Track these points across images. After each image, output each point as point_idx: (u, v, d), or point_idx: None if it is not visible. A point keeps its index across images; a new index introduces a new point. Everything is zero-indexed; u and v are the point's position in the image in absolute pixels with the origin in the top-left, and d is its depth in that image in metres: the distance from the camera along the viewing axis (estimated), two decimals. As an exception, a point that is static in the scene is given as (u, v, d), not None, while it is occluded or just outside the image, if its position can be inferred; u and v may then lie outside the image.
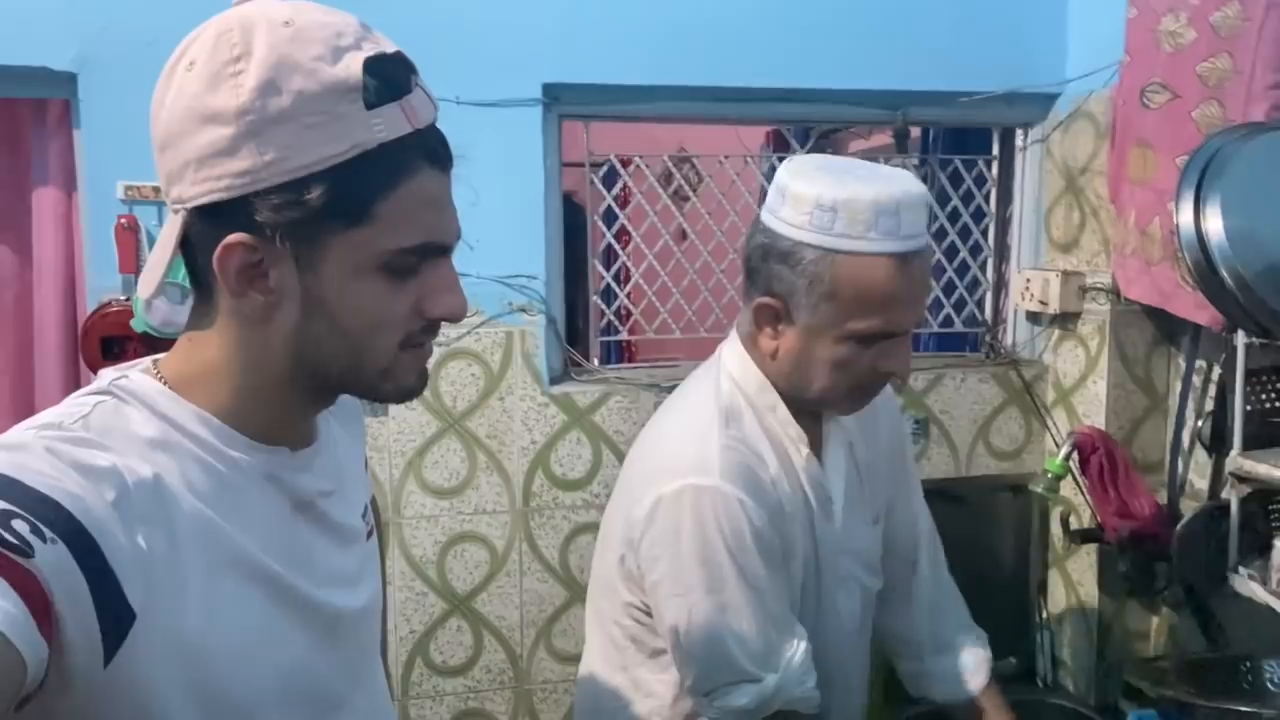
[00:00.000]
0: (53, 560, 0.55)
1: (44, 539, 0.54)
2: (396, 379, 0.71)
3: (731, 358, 1.18)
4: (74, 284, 1.88)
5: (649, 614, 1.15)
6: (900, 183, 1.06)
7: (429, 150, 0.66)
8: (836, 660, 1.21)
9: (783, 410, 1.14)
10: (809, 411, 1.17)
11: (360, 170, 0.63)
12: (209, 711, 0.64)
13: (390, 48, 0.66)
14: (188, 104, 0.64)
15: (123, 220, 1.74)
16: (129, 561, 0.59)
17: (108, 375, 0.69)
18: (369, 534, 0.84)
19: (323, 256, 0.65)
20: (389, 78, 0.64)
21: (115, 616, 0.58)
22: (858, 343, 1.07)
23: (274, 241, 0.64)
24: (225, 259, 0.65)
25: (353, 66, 0.62)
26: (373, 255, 0.65)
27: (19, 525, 0.54)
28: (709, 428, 1.11)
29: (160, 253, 0.69)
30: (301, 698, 0.72)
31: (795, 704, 1.08)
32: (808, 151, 2.13)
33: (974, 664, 1.34)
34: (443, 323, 0.72)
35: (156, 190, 1.76)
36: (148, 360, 0.72)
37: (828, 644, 1.19)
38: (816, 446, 1.18)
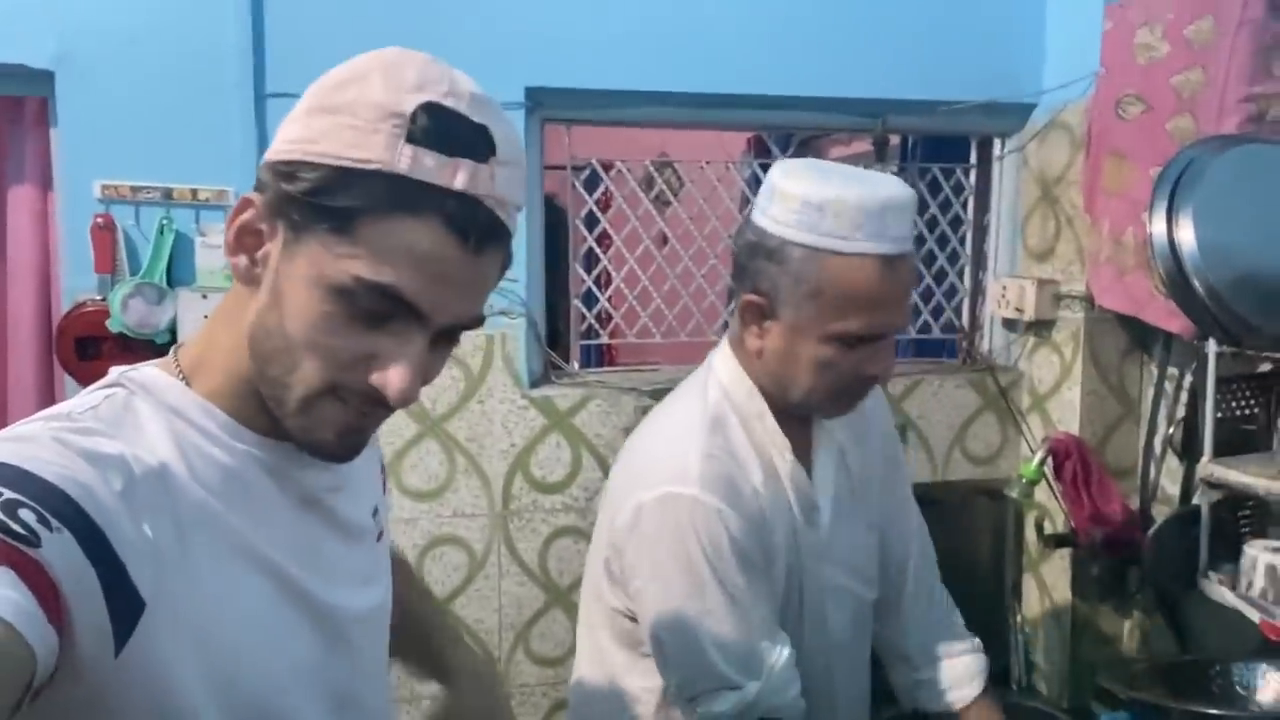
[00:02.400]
0: (60, 550, 0.54)
1: (51, 528, 0.54)
2: (310, 422, 0.66)
3: (722, 365, 1.18)
4: (49, 283, 1.86)
5: (635, 619, 1.15)
6: (888, 186, 1.07)
7: (452, 214, 0.62)
8: (823, 670, 1.21)
9: (769, 418, 1.15)
10: (798, 418, 1.17)
11: (365, 184, 0.61)
12: (225, 701, 0.64)
13: (474, 115, 0.63)
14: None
15: (99, 219, 1.73)
16: (137, 551, 0.58)
17: (118, 369, 0.69)
18: (379, 536, 0.83)
19: (301, 250, 0.63)
20: (446, 130, 0.62)
21: (124, 606, 0.57)
22: (841, 344, 1.07)
23: (275, 217, 0.64)
24: (236, 212, 0.65)
25: (410, 100, 0.62)
26: (338, 273, 0.62)
27: (26, 514, 0.53)
28: (692, 435, 1.11)
29: None
30: (315, 692, 0.72)
31: (779, 712, 1.08)
32: (788, 158, 2.15)
33: (965, 673, 1.33)
34: (384, 404, 0.66)
35: (133, 190, 1.75)
36: (170, 354, 0.72)
37: (813, 653, 1.18)
38: (805, 454, 1.18)
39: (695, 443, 1.10)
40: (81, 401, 0.65)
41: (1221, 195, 1.47)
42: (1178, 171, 1.50)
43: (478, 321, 0.68)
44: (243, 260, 0.66)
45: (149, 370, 0.69)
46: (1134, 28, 1.74)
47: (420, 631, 0.99)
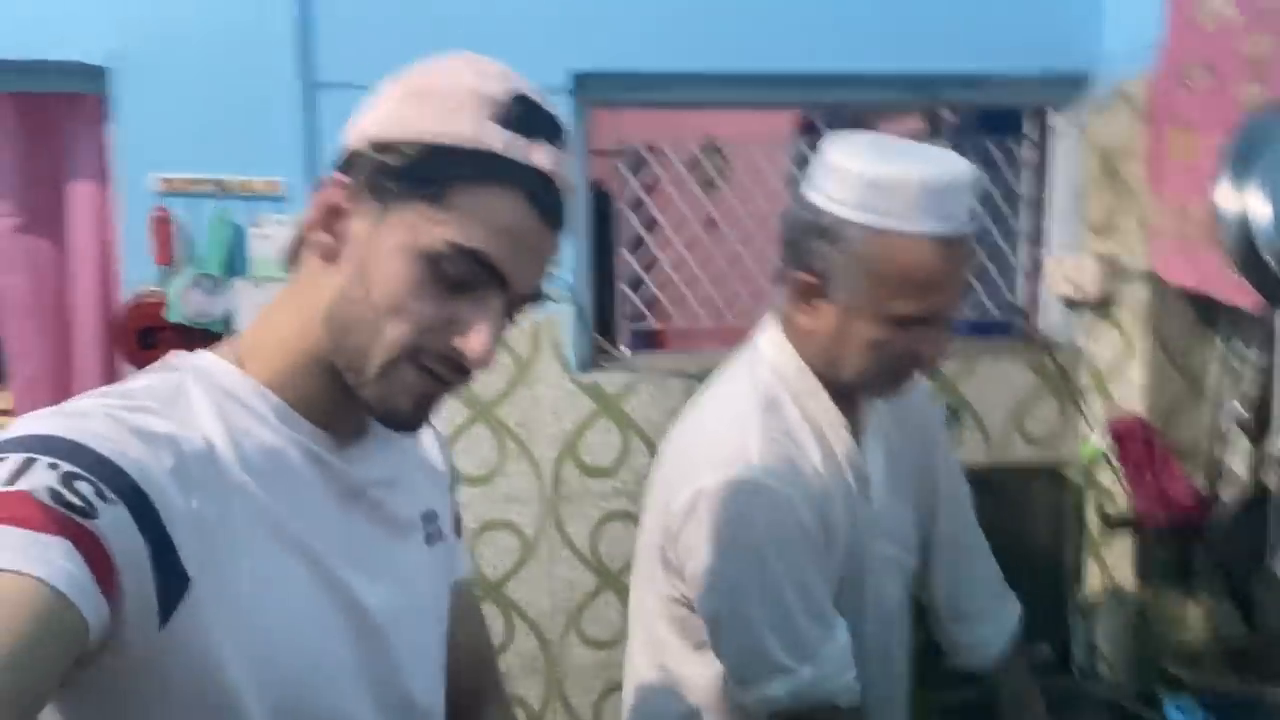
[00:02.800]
0: (114, 521, 0.55)
1: (106, 500, 0.55)
2: (388, 388, 0.68)
3: (769, 344, 1.16)
4: (109, 276, 1.91)
5: (691, 606, 1.14)
6: (949, 164, 1.04)
7: (534, 190, 0.67)
8: (877, 644, 1.20)
9: (823, 395, 1.13)
10: (845, 395, 1.15)
11: (459, 157, 0.66)
12: (266, 682, 0.65)
13: (544, 105, 0.70)
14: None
15: (157, 212, 1.76)
16: (185, 527, 0.60)
17: (175, 354, 0.71)
18: (431, 537, 0.83)
19: (392, 222, 0.66)
20: (529, 115, 0.68)
21: (171, 580, 0.59)
22: (895, 324, 1.05)
23: (365, 197, 0.68)
24: (321, 193, 0.69)
25: (501, 88, 0.68)
26: (432, 239, 0.65)
27: (83, 487, 0.55)
28: (749, 417, 1.10)
29: None
30: (355, 683, 0.72)
31: (834, 696, 1.07)
32: (837, 136, 2.11)
33: (994, 634, 1.33)
34: (463, 370, 0.69)
35: (189, 183, 1.78)
36: (225, 341, 0.74)
37: (868, 629, 1.18)
38: (854, 430, 1.17)
39: (753, 425, 1.09)
40: (137, 382, 0.67)
41: (1294, 164, 1.41)
42: (1246, 140, 1.44)
43: (540, 297, 0.73)
44: (326, 238, 0.69)
45: (204, 355, 0.71)
46: (1199, -9, 1.68)
47: None
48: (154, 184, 1.77)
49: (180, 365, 0.69)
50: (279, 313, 0.72)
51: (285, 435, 0.69)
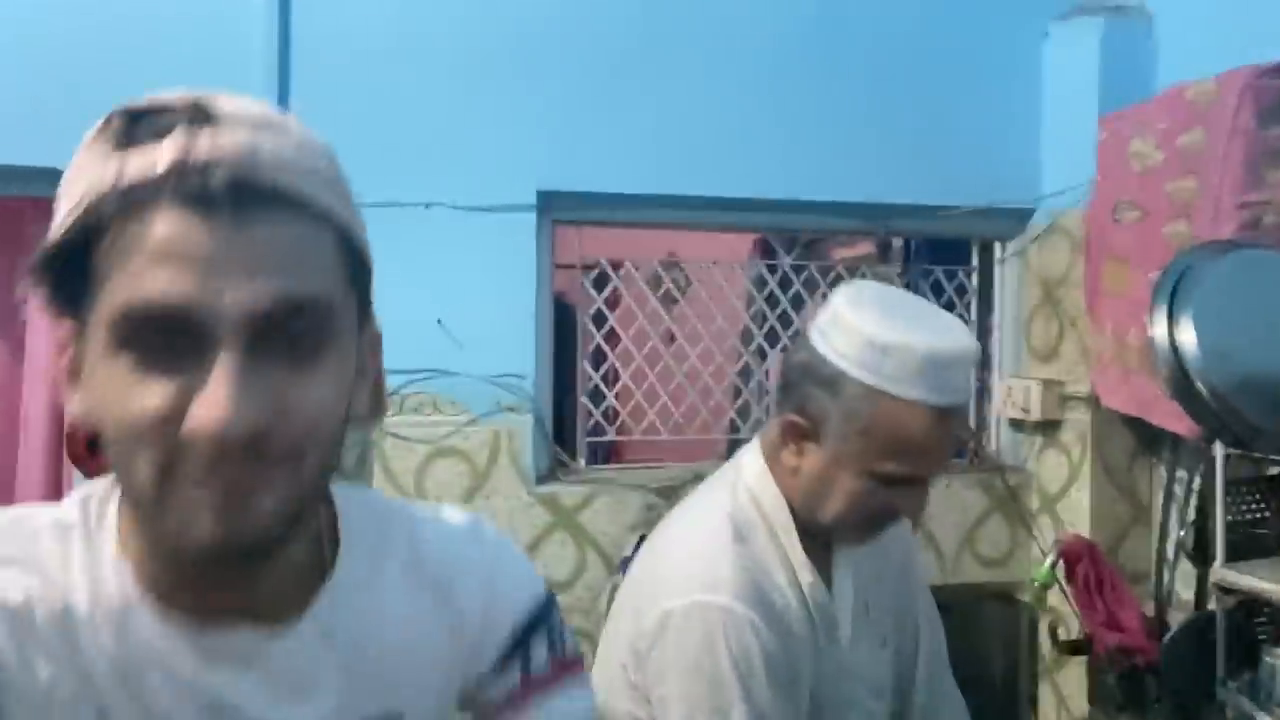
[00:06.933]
0: None
1: None
2: (176, 521, 0.51)
3: (752, 468, 1.17)
4: (64, 379, 1.89)
5: None
6: (952, 335, 1.06)
7: (174, 190, 0.49)
8: None
9: (794, 533, 1.13)
10: (817, 535, 1.15)
11: (89, 216, 0.50)
12: None
13: (179, 99, 0.52)
14: None
15: (117, 316, 1.76)
16: (31, 706, 0.53)
17: (84, 490, 0.62)
18: None
19: (88, 333, 0.52)
20: (144, 120, 0.51)
21: None
22: (879, 481, 1.07)
23: (60, 318, 0.55)
24: (59, 352, 0.56)
25: (106, 117, 0.52)
26: (107, 322, 0.50)
27: None
28: (722, 542, 1.09)
29: None
30: None
31: None
32: (793, 259, 2.19)
33: None
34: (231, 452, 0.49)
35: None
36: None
37: None
38: (825, 568, 1.16)
39: (726, 549, 1.09)
40: (36, 521, 0.59)
41: (1220, 299, 1.49)
42: (1176, 275, 1.52)
43: (310, 303, 0.52)
44: (71, 390, 0.56)
45: (96, 506, 0.61)
46: (1127, 138, 1.80)
47: None
48: (117, 287, 1.77)
49: (81, 512, 0.60)
50: None
51: (134, 630, 0.56)
